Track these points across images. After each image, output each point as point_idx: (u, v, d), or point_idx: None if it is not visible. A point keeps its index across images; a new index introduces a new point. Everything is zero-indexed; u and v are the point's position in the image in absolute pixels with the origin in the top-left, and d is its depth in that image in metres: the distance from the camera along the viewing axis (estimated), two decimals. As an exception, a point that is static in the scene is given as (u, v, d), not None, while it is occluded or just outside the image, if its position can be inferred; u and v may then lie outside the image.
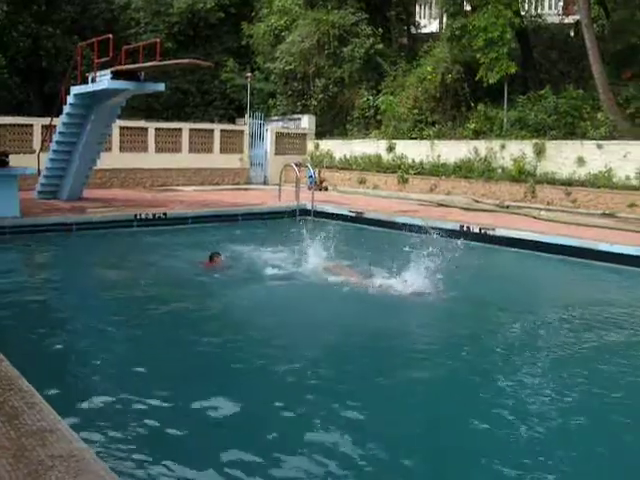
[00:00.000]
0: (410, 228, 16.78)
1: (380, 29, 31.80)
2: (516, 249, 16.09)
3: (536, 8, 30.41)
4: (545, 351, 8.98)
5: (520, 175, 23.35)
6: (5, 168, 17.23)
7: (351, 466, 5.67)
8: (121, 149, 27.09)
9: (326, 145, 31.27)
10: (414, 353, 8.81)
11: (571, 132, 23.63)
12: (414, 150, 27.30)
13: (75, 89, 20.24)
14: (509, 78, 25.04)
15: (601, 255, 14.72)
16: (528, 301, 11.20)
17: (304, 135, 32.16)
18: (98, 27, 32.61)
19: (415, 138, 27.72)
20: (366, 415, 6.67)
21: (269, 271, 12.72)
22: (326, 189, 27.48)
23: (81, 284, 12.66)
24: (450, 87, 27.57)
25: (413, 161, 27.05)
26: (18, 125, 24.87)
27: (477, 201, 23.27)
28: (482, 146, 24.96)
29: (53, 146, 21.02)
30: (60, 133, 20.77)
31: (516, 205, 22.37)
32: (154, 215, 18.51)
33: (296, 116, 32.87)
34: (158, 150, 28.19)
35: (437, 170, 25.97)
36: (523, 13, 27.58)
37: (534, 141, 23.46)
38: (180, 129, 28.94)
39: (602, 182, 21.46)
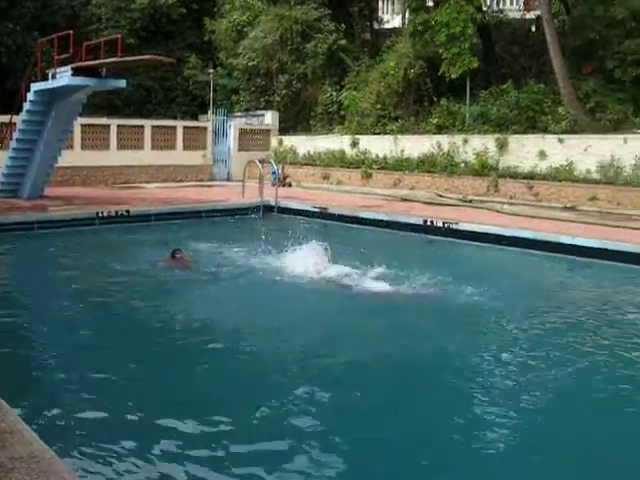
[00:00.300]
0: (374, 223, 16.86)
1: (343, 25, 31.82)
2: (479, 243, 16.20)
3: (498, 3, 30.56)
4: (495, 335, 9.13)
5: (483, 169, 23.51)
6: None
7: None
8: (83, 146, 26.81)
9: (290, 141, 31.23)
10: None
11: (533, 126, 23.84)
12: (377, 145, 27.37)
13: (35, 86, 20.01)
14: (471, 73, 25.18)
15: (563, 248, 14.87)
16: (488, 293, 11.26)
17: (267, 131, 32.10)
18: (59, 23, 32.19)
19: (378, 133, 27.79)
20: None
21: (232, 268, 12.69)
22: (290, 185, 27.44)
23: (40, 284, 12.49)
24: (413, 82, 27.66)
25: (377, 156, 27.11)
26: (-23, 123, 24.52)
27: (440, 195, 23.39)
28: (445, 141, 25.09)
29: (13, 144, 20.76)
30: (20, 131, 20.52)
31: (479, 199, 22.53)
32: (116, 212, 18.36)
33: (259, 112, 32.78)
34: (120, 147, 27.95)
35: (401, 165, 26.06)
36: (485, 8, 27.72)
37: (496, 135, 23.63)
38: (142, 126, 28.72)
39: (563, 176, 21.68)
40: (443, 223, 17.31)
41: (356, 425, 6.51)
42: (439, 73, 25.37)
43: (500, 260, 15.34)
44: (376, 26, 35.43)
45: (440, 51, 24.79)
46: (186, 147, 29.96)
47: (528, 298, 11.51)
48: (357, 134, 28.30)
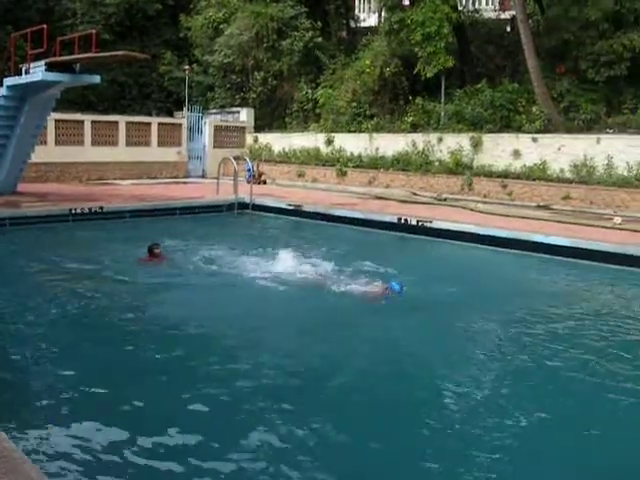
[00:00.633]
0: (348, 220, 16.88)
1: (319, 22, 31.86)
2: (453, 241, 16.26)
3: (473, 3, 30.68)
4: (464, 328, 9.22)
5: (457, 168, 23.63)
6: None
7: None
8: (56, 142, 26.62)
9: (265, 138, 31.22)
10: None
11: (507, 125, 23.98)
12: (353, 143, 27.42)
13: (8, 81, 19.81)
14: (446, 72, 25.29)
15: (536, 246, 14.97)
16: (458, 290, 11.32)
17: (243, 128, 32.05)
18: (33, 17, 32.01)
19: (354, 131, 27.83)
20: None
21: (205, 265, 12.67)
22: (265, 182, 27.41)
23: (11, 281, 12.36)
24: (388, 80, 27.74)
25: (352, 154, 27.16)
26: (-51, 118, 24.25)
27: (415, 194, 23.47)
28: (420, 139, 25.17)
29: (-15, 139, 20.59)
30: (-7, 126, 20.36)
31: (454, 198, 22.64)
32: (90, 209, 18.25)
33: (235, 109, 32.75)
34: (94, 143, 27.78)
35: (375, 163, 26.13)
36: (460, 8, 27.84)
37: (471, 134, 23.75)
38: (117, 122, 28.57)
39: (537, 175, 21.85)
40: (417, 221, 17.36)
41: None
42: (414, 72, 25.46)
43: (473, 258, 15.38)
44: (352, 24, 35.50)
45: (416, 50, 24.87)
46: (161, 144, 29.86)
47: (499, 295, 11.58)
48: (332, 132, 28.34)
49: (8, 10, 33.28)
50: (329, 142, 28.21)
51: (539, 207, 20.77)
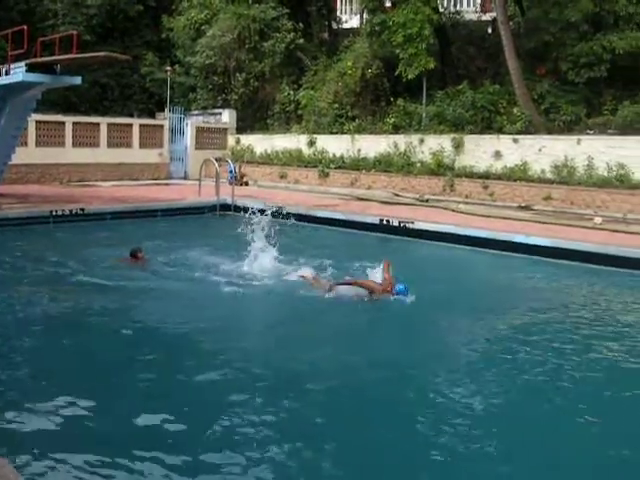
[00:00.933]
0: (330, 222, 16.90)
1: (301, 24, 31.88)
2: (435, 242, 16.32)
3: (455, 5, 30.78)
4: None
5: (439, 169, 23.71)
6: None
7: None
8: (37, 144, 26.48)
9: (247, 140, 31.20)
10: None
11: (488, 126, 24.09)
12: (335, 145, 27.45)
13: (-12, 82, 19.71)
14: (428, 73, 25.34)
15: (517, 247, 15.05)
16: (439, 290, 11.37)
17: (225, 130, 32.01)
18: (14, 18, 31.80)
19: (336, 133, 27.86)
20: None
21: (186, 267, 12.64)
22: (247, 184, 27.37)
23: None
24: (370, 82, 27.80)
25: (334, 155, 27.20)
26: None
27: (397, 195, 23.53)
28: (401, 141, 25.23)
29: (-35, 141, 20.45)
30: (-27, 127, 20.22)
31: (435, 198, 22.72)
32: (71, 211, 18.17)
33: (217, 110, 32.70)
34: (76, 145, 27.64)
35: (357, 164, 26.17)
36: (441, 10, 27.97)
37: (452, 135, 23.84)
38: (98, 123, 28.45)
39: (518, 175, 21.96)
40: (399, 222, 17.41)
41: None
42: (396, 73, 25.50)
43: (455, 259, 15.45)
44: (334, 26, 35.49)
45: (397, 51, 24.92)
46: (142, 145, 29.76)
47: (479, 295, 11.68)
48: (314, 133, 28.36)
49: (-12, 11, 33.12)
50: (311, 143, 28.23)
51: (520, 208, 20.87)
